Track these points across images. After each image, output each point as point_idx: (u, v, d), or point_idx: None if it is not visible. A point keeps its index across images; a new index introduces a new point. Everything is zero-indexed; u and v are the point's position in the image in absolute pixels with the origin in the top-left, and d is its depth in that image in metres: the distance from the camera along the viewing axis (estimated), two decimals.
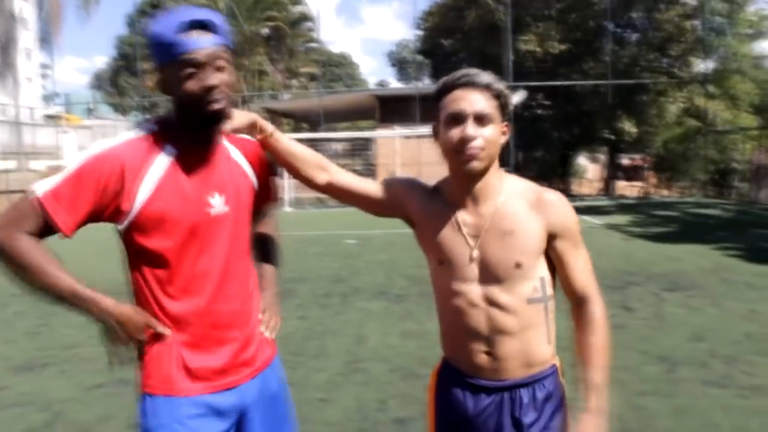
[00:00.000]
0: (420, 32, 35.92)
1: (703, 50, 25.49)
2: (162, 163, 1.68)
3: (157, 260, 1.69)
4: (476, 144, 1.68)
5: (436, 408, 1.93)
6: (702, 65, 26.18)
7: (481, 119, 1.69)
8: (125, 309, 1.65)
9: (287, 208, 21.89)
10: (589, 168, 41.20)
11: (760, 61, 27.58)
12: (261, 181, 1.92)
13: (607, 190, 30.59)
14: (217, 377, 1.76)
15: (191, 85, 1.61)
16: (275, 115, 31.64)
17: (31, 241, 1.59)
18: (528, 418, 1.77)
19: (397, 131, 25.29)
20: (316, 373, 4.82)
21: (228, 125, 1.74)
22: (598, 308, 1.80)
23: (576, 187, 32.33)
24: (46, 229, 1.60)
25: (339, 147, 31.61)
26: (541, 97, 28.06)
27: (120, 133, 1.73)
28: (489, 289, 1.75)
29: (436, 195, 1.86)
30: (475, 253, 1.76)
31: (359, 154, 29.38)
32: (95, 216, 1.63)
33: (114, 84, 51.34)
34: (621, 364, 4.83)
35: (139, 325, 1.66)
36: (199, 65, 1.60)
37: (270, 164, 1.94)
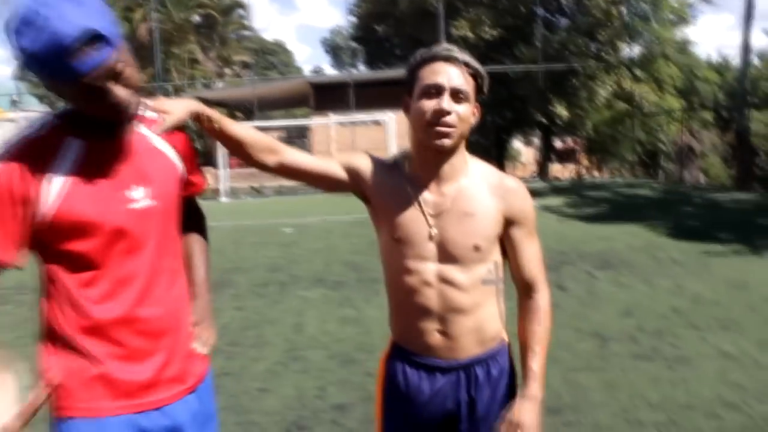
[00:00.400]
0: (354, 19, 35.79)
1: (628, 35, 26.19)
2: (69, 159, 1.49)
3: (79, 263, 1.51)
4: (450, 119, 1.65)
5: (387, 392, 1.87)
6: (628, 50, 26.93)
7: (457, 95, 1.67)
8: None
9: (223, 199, 21.58)
10: (523, 151, 41.94)
11: (683, 46, 28.54)
12: (188, 170, 1.76)
13: (542, 172, 31.21)
14: (144, 393, 1.58)
15: (99, 105, 1.44)
16: (208, 105, 30.99)
17: None
18: (483, 395, 1.79)
19: (332, 118, 25.22)
20: (254, 363, 4.78)
21: (166, 123, 1.59)
22: (544, 298, 1.84)
23: (511, 171, 32.85)
24: None
25: (275, 135, 31.21)
26: None
27: (16, 131, 1.50)
28: (445, 269, 1.74)
29: (394, 169, 1.81)
30: (434, 232, 1.74)
31: (295, 142, 29.13)
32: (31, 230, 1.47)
33: None
34: (556, 342, 4.91)
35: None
36: (103, 82, 1.40)
37: (197, 151, 1.81)
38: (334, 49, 55.26)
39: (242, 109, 32.67)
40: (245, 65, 41.46)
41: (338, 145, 24.41)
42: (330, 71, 55.07)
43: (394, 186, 1.79)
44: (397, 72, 25.18)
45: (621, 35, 26.30)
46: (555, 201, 16.20)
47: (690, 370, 4.31)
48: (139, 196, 1.57)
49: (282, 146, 1.83)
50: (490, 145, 31.26)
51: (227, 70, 40.18)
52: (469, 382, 1.79)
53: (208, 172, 28.34)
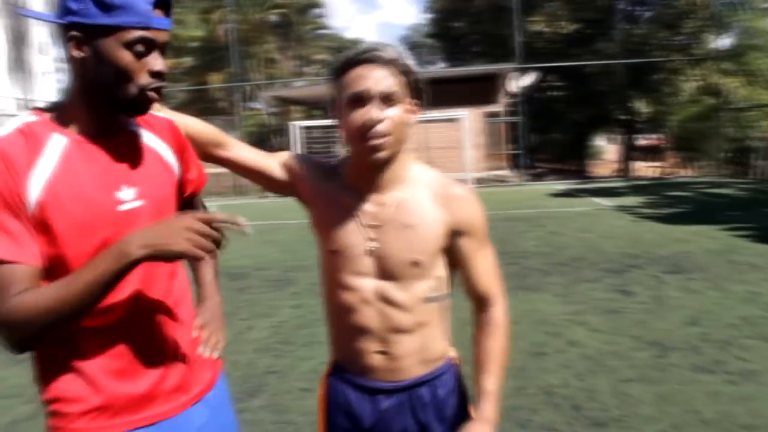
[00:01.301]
0: (431, 15, 35.69)
1: (717, 26, 25.00)
2: (53, 155, 1.36)
3: (63, 269, 1.35)
4: (381, 128, 1.51)
5: (329, 417, 1.75)
6: (716, 42, 25.69)
7: (386, 99, 1.52)
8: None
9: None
10: (608, 149, 40.72)
11: None
12: (184, 167, 1.65)
13: (623, 170, 30.25)
14: (142, 407, 1.45)
15: (135, 65, 1.36)
16: (286, 103, 31.65)
17: (25, 294, 1.29)
18: (431, 417, 1.67)
19: None
20: (301, 362, 4.80)
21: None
22: (500, 311, 1.71)
23: (594, 169, 31.97)
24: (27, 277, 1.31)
25: None
26: (553, 78, 27.72)
27: (5, 125, 1.39)
28: (384, 286, 1.62)
29: (333, 175, 1.69)
30: (372, 246, 1.62)
31: None
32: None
33: None
34: (611, 350, 4.75)
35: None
36: (155, 46, 1.38)
37: (191, 146, 1.68)
38: (412, 46, 55.26)
39: (320, 108, 33.05)
40: (326, 64, 41.89)
41: (411, 143, 24.34)
42: None
43: (331, 193, 1.68)
44: (474, 69, 24.94)
45: (708, 26, 25.15)
46: (633, 200, 15.66)
47: (754, 386, 4.04)
48: (128, 197, 1.44)
49: (228, 139, 1.75)
50: (571, 142, 30.57)
51: (307, 69, 40.72)
52: (415, 405, 1.67)
53: None
